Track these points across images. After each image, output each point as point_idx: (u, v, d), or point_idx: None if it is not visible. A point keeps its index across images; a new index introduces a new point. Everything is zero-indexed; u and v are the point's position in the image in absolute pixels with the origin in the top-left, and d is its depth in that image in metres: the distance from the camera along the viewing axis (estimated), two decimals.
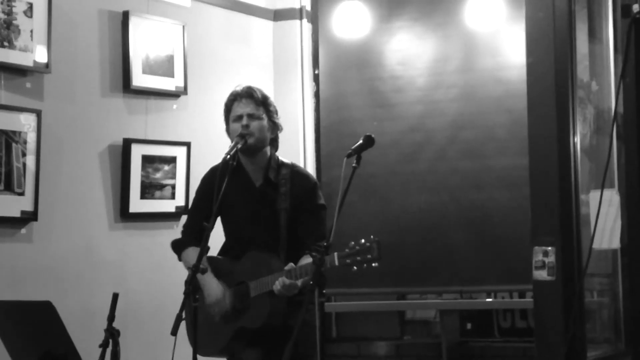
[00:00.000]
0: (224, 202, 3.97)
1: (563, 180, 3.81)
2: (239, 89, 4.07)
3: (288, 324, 3.83)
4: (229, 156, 3.84)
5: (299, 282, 3.78)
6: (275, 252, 3.97)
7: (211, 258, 4.11)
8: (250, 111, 4.00)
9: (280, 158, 4.13)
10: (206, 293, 4.01)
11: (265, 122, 4.02)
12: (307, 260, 3.82)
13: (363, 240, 3.51)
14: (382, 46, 5.53)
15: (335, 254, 3.54)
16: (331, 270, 3.49)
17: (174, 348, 3.48)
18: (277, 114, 4.09)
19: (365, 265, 3.50)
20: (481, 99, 5.29)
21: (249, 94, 4.02)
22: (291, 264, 3.82)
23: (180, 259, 4.19)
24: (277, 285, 3.78)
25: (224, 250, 4.21)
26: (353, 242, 3.52)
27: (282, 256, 3.94)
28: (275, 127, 4.09)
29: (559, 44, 3.82)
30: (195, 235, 4.02)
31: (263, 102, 4.03)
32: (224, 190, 3.74)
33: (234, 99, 4.05)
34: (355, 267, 3.52)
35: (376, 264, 3.49)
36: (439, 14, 5.43)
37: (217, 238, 4.16)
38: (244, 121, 3.98)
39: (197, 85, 5.44)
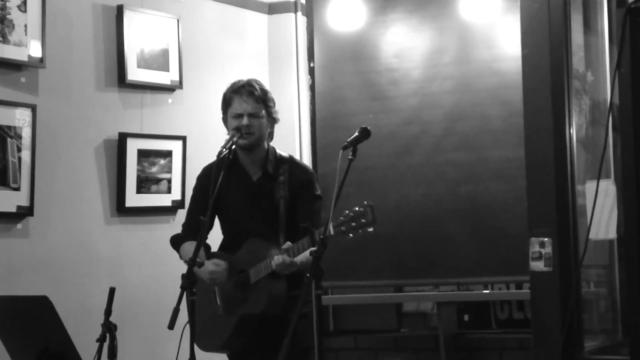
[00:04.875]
0: (222, 198, 3.98)
1: (559, 172, 3.82)
2: (240, 83, 4.07)
3: (289, 317, 3.83)
4: (225, 150, 3.85)
5: (297, 260, 3.80)
6: (275, 242, 3.98)
7: (211, 254, 4.12)
8: (251, 110, 4.00)
9: (278, 151, 4.14)
10: (204, 275, 4.00)
11: (264, 119, 4.03)
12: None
13: (357, 207, 3.51)
14: (377, 39, 5.52)
15: (330, 223, 3.53)
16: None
17: (180, 343, 3.50)
18: (275, 106, 4.10)
19: (360, 230, 3.49)
20: (477, 91, 5.28)
21: (249, 92, 4.01)
22: (288, 243, 3.83)
23: (180, 256, 4.19)
24: (276, 260, 3.79)
25: (222, 247, 4.21)
26: (347, 210, 3.52)
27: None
28: (273, 121, 4.10)
29: (554, 35, 3.82)
30: (193, 232, 4.02)
31: (263, 99, 4.03)
32: (222, 186, 3.75)
33: (234, 93, 4.04)
34: (351, 234, 3.51)
35: (371, 229, 3.48)
36: (434, 6, 5.42)
37: (216, 235, 4.17)
38: (245, 121, 3.98)
39: (192, 79, 5.43)
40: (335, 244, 3.56)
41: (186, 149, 5.29)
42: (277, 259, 3.79)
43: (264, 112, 4.03)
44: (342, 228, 3.52)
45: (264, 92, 4.06)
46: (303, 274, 3.61)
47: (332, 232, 3.52)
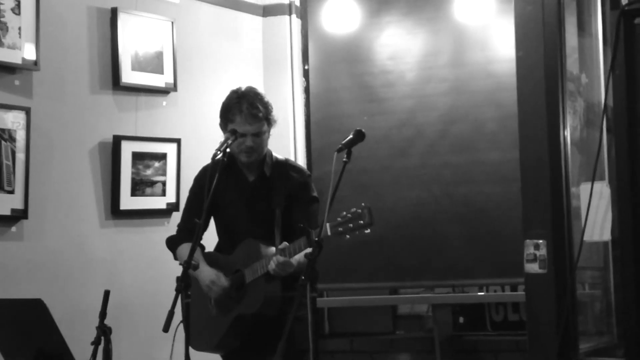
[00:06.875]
0: (219, 199, 3.98)
1: (554, 173, 3.82)
2: (242, 101, 3.98)
3: (283, 319, 3.83)
4: (219, 153, 3.84)
5: (294, 261, 3.79)
6: (271, 243, 3.97)
7: (206, 253, 4.13)
8: (254, 131, 3.97)
9: (274, 154, 4.14)
10: (200, 279, 4.01)
11: (267, 133, 4.03)
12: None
13: (354, 209, 3.51)
14: (371, 41, 5.53)
15: (327, 223, 3.53)
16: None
17: (172, 344, 3.49)
18: (273, 110, 4.07)
19: (357, 232, 3.50)
20: (471, 93, 5.29)
21: (253, 115, 3.95)
22: (285, 243, 3.83)
23: (175, 257, 4.19)
24: (272, 264, 3.79)
25: (218, 249, 4.22)
26: (344, 212, 3.52)
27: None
28: (272, 126, 4.08)
29: (548, 37, 3.82)
30: (189, 232, 4.01)
31: (266, 117, 4.01)
32: (219, 188, 3.74)
33: (237, 112, 3.97)
34: (347, 235, 3.53)
35: (368, 230, 3.49)
36: (429, 9, 5.43)
37: (211, 237, 4.16)
38: (249, 142, 3.96)
39: (186, 82, 5.43)
40: (330, 246, 3.55)
41: (181, 152, 5.28)
42: (274, 260, 3.78)
43: (266, 126, 4.02)
44: (339, 229, 3.53)
45: (266, 108, 4.01)
46: (299, 275, 3.62)
47: (329, 233, 3.54)
